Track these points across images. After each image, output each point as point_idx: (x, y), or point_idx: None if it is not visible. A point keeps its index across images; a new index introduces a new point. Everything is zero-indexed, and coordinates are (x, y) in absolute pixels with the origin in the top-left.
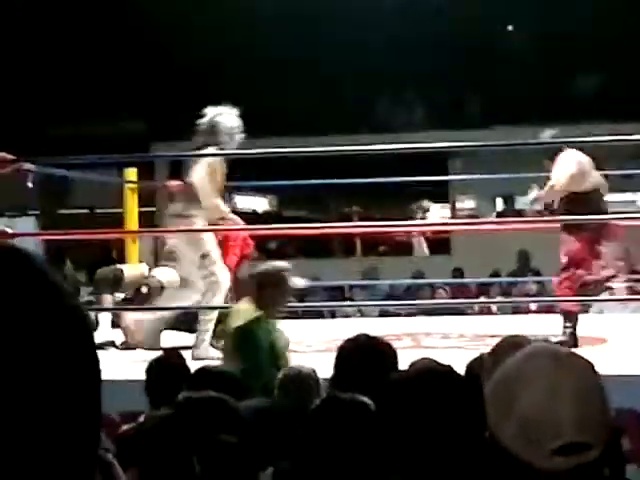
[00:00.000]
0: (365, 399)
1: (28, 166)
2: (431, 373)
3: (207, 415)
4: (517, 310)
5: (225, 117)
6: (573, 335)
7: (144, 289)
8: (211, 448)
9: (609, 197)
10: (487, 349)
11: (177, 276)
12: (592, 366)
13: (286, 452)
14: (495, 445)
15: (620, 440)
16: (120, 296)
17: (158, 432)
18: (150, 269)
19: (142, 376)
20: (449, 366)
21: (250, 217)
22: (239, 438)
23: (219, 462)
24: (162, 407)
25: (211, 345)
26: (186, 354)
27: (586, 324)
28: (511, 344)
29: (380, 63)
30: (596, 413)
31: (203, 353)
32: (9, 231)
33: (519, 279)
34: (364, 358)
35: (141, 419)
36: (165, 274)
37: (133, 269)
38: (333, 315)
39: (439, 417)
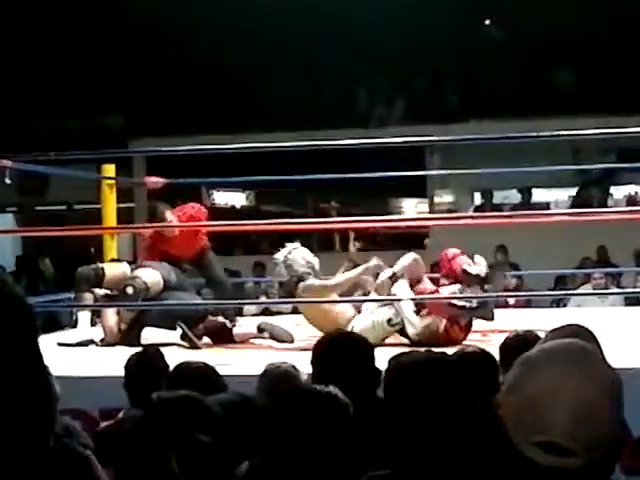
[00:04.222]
0: (332, 389)
1: (5, 162)
2: (425, 363)
3: (180, 414)
4: (495, 304)
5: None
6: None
7: (130, 290)
8: (186, 447)
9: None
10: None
11: (160, 277)
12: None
13: (261, 447)
14: (495, 416)
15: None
16: (101, 292)
17: (134, 432)
18: (132, 269)
19: (121, 373)
20: (442, 356)
21: (228, 212)
22: (213, 436)
23: (194, 461)
24: (141, 403)
25: (185, 338)
26: (165, 350)
27: (564, 317)
28: (520, 340)
29: (357, 57)
30: (594, 427)
31: None
32: None
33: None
34: (341, 353)
35: (120, 415)
36: (149, 275)
37: (114, 268)
38: None
39: (433, 407)
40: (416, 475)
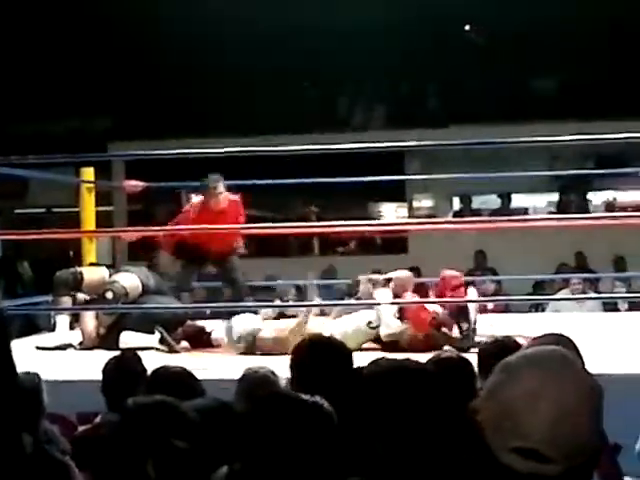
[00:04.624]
0: (317, 399)
1: None
2: (401, 370)
3: (156, 420)
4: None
5: None
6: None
7: (109, 295)
8: (162, 452)
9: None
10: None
11: (139, 281)
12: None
13: (239, 453)
14: (473, 422)
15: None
16: (82, 296)
17: (111, 438)
18: (111, 274)
19: (99, 377)
20: (417, 362)
21: None
22: (189, 442)
23: (170, 466)
24: (118, 408)
25: (164, 342)
26: (144, 354)
27: (542, 323)
28: (499, 346)
29: (338, 62)
30: (574, 434)
31: None
32: None
33: (477, 278)
34: (319, 358)
35: (97, 420)
36: (128, 279)
37: (93, 272)
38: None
39: (409, 414)
40: None
